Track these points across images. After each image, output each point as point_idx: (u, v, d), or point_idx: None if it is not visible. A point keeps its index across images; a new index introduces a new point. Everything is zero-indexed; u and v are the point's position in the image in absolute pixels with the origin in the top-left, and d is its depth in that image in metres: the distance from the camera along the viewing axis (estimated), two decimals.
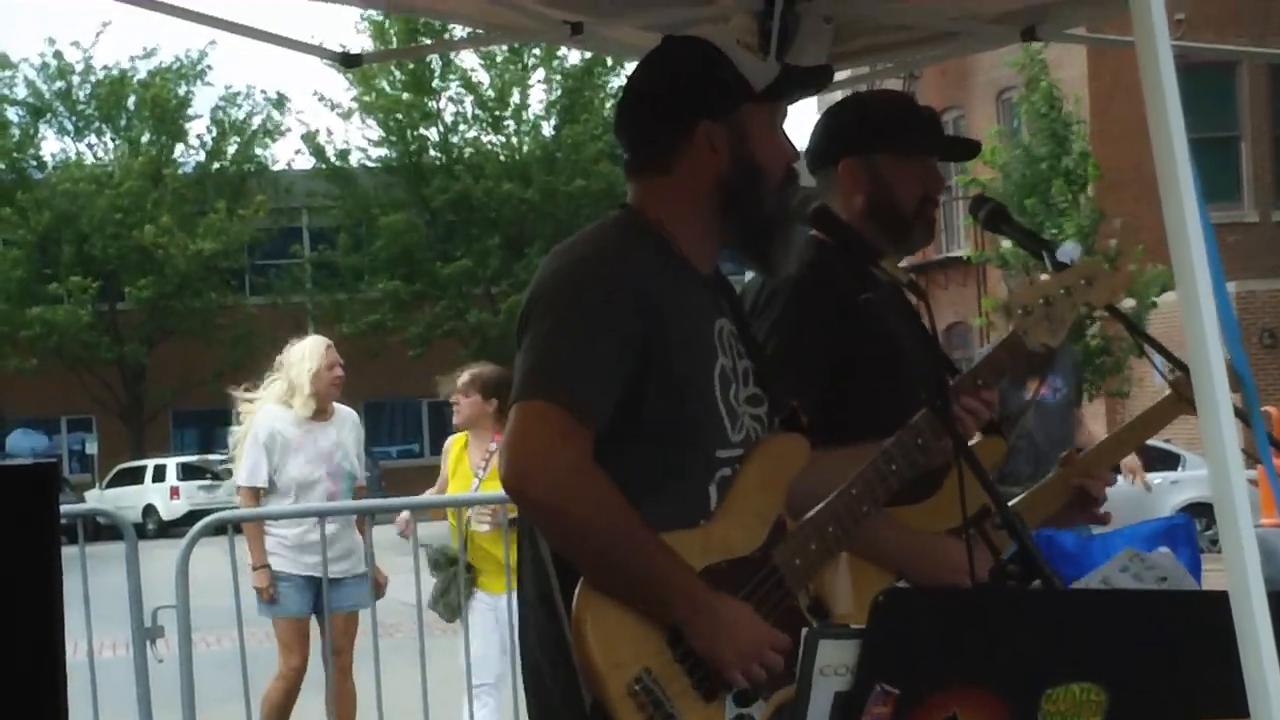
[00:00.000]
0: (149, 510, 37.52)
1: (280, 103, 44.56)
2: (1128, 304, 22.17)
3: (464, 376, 8.26)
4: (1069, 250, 3.54)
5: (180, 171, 43.67)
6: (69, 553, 3.71)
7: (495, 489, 7.91)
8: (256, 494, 8.19)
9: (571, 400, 2.79)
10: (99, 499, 35.95)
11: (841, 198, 3.52)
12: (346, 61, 5.12)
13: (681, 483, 2.90)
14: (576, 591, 2.78)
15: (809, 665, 2.08)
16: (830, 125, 3.65)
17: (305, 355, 8.26)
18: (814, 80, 3.22)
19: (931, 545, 3.35)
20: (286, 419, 8.20)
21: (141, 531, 8.61)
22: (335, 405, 8.41)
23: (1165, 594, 2.86)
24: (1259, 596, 1.84)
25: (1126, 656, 2.20)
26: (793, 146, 3.11)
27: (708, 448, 2.92)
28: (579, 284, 2.89)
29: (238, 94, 45.34)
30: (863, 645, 2.10)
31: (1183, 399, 3.79)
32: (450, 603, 7.93)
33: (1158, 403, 3.87)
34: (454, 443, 8.38)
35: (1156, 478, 20.22)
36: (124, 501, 35.29)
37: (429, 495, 8.75)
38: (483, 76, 40.99)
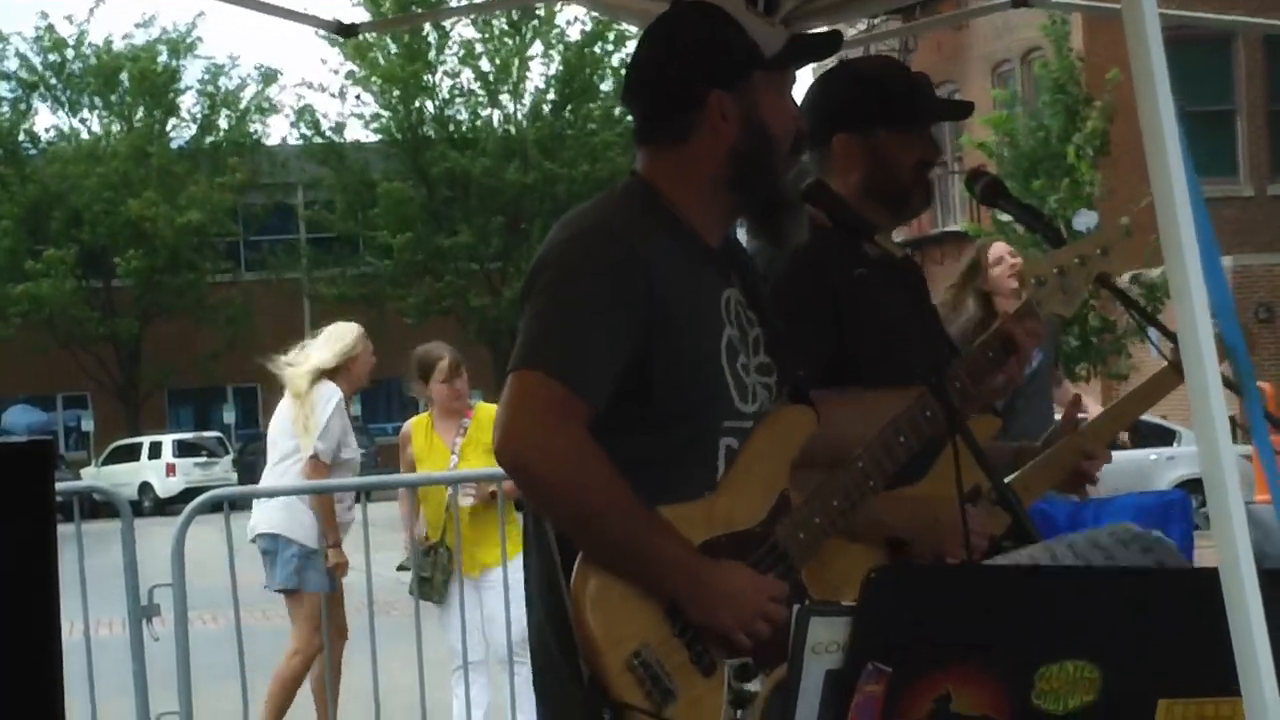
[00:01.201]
0: (145, 487, 37.55)
1: (271, 76, 44.52)
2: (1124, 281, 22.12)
3: (445, 361, 8.20)
4: (1085, 218, 3.51)
5: (173, 146, 43.57)
6: (64, 530, 3.71)
7: (475, 465, 7.95)
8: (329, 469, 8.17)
9: (570, 373, 2.78)
10: (95, 476, 35.96)
11: (837, 174, 3.44)
12: (342, 31, 5.08)
13: (689, 456, 2.90)
14: (575, 567, 2.77)
15: (800, 643, 2.07)
16: (823, 99, 3.56)
17: (348, 338, 8.28)
18: (824, 47, 3.19)
19: (932, 509, 3.33)
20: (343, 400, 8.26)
21: (137, 509, 8.63)
22: None
23: (1159, 571, 2.86)
24: (1249, 572, 1.84)
25: (1120, 634, 2.19)
26: (799, 110, 3.08)
27: (715, 419, 2.92)
28: (585, 257, 2.87)
29: (223, 66, 45.24)
30: (854, 623, 2.09)
31: (1179, 370, 3.76)
32: (436, 585, 7.92)
33: (1155, 374, 3.85)
34: (415, 425, 8.35)
35: (1152, 453, 20.25)
36: (120, 479, 35.31)
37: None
38: (480, 49, 40.82)
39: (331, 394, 8.15)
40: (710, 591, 2.78)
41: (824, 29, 5.53)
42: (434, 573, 7.84)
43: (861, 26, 17.46)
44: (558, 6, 34.22)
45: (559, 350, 2.80)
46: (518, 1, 6.24)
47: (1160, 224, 1.93)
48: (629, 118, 3.18)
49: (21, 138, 43.53)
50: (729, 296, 3.00)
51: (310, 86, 51.77)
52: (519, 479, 2.84)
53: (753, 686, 2.80)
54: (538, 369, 2.80)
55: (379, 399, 46.95)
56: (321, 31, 5.20)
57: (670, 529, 2.79)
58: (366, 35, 36.33)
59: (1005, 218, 17.96)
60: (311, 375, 8.14)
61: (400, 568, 8.02)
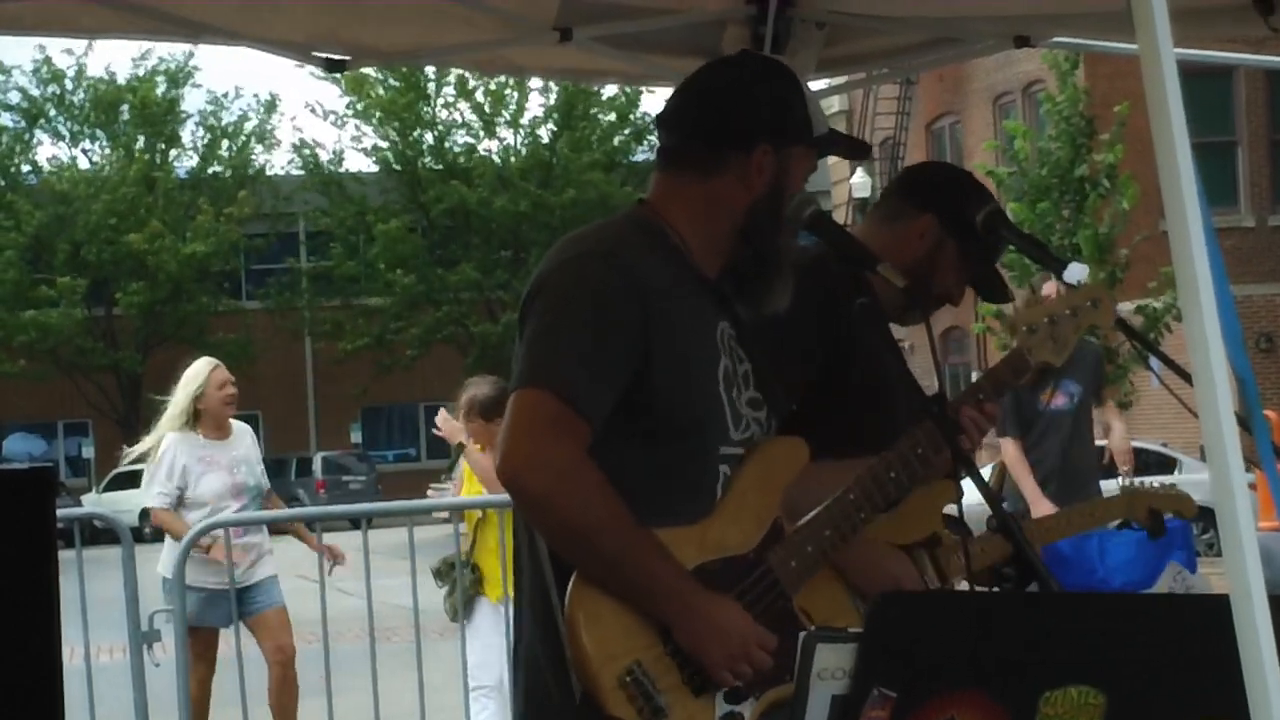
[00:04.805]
0: (146, 514, 37.36)
1: (273, 106, 44.49)
2: (1125, 307, 22.15)
3: (460, 402, 8.21)
4: (1076, 271, 3.58)
5: (174, 176, 43.56)
6: (65, 557, 3.71)
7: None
8: (172, 511, 8.33)
9: (570, 391, 2.79)
10: (95, 503, 35.89)
11: (902, 235, 3.56)
12: (331, 67, 5.09)
13: (687, 479, 2.90)
14: (570, 584, 2.78)
15: (806, 668, 2.08)
16: (944, 181, 3.71)
17: (193, 379, 8.45)
18: (855, 150, 3.37)
19: (877, 555, 3.37)
20: (188, 443, 8.38)
21: (138, 535, 8.63)
22: (231, 422, 8.57)
23: (1163, 597, 2.86)
24: (1260, 600, 1.84)
25: (1124, 659, 2.20)
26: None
27: (712, 444, 2.93)
28: (584, 277, 2.88)
29: (225, 95, 45.24)
30: (860, 649, 2.09)
31: (1134, 508, 4.06)
32: (456, 603, 7.94)
33: (1103, 502, 4.07)
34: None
35: (1154, 482, 20.23)
36: (120, 505, 35.08)
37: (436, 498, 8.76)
38: (475, 82, 40.84)
39: (165, 451, 8.36)
40: (701, 621, 2.78)
41: (822, 87, 5.64)
42: (457, 591, 7.85)
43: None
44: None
45: (558, 369, 2.81)
46: (503, 45, 6.26)
47: (1175, 258, 1.93)
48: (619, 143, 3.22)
49: (25, 169, 43.52)
50: (722, 328, 3.02)
51: (313, 112, 51.68)
52: (515, 494, 2.84)
53: (743, 709, 2.81)
54: (537, 388, 2.81)
55: (379, 426, 46.96)
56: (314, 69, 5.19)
57: (666, 552, 2.80)
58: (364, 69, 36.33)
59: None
60: (176, 420, 8.41)
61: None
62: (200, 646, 8.14)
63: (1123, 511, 4.22)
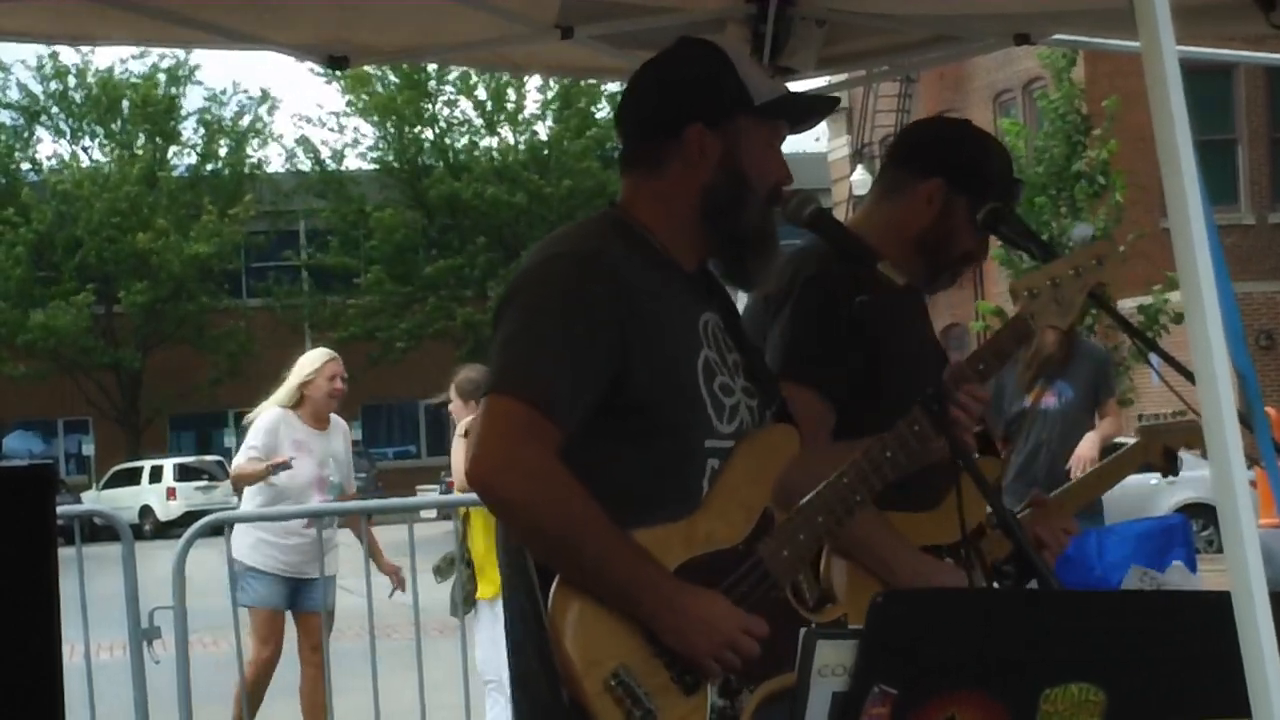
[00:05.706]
0: (145, 511, 37.51)
1: (266, 99, 44.55)
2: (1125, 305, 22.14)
3: (454, 382, 8.31)
4: (1082, 231, 3.52)
5: (174, 174, 43.57)
6: (65, 554, 3.71)
7: None
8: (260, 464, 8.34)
9: (540, 396, 2.78)
10: (96, 500, 35.94)
11: (907, 206, 3.50)
12: (333, 64, 5.08)
13: (672, 476, 2.89)
14: (552, 589, 2.76)
15: (807, 666, 2.07)
16: (940, 139, 3.63)
17: (307, 365, 8.50)
18: (818, 108, 3.22)
19: (925, 566, 3.33)
20: (288, 422, 8.40)
21: (138, 532, 8.68)
22: (331, 416, 8.61)
23: (1164, 594, 2.87)
24: (1261, 596, 1.84)
25: (1125, 657, 2.19)
26: (785, 169, 3.07)
27: (695, 440, 2.91)
28: (557, 279, 2.88)
29: (223, 91, 45.23)
30: (861, 646, 2.09)
31: (1150, 449, 3.96)
32: (455, 601, 7.97)
33: (1123, 451, 3.99)
34: None
35: (1153, 478, 20.21)
36: (121, 502, 35.26)
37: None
38: (476, 78, 40.89)
39: (265, 420, 8.43)
40: (683, 617, 2.76)
41: (822, 85, 5.61)
42: (456, 585, 7.88)
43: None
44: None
45: (527, 373, 2.81)
46: (506, 44, 6.26)
47: (1177, 256, 1.93)
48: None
49: (26, 166, 43.53)
50: (706, 320, 3.00)
51: (309, 121, 51.76)
52: (488, 500, 2.84)
53: (737, 703, 2.80)
54: (508, 394, 2.80)
55: (379, 424, 46.95)
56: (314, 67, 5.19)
57: (644, 552, 2.78)
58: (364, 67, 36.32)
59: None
60: (282, 400, 8.48)
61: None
62: (266, 630, 8.22)
63: (1142, 456, 4.11)
